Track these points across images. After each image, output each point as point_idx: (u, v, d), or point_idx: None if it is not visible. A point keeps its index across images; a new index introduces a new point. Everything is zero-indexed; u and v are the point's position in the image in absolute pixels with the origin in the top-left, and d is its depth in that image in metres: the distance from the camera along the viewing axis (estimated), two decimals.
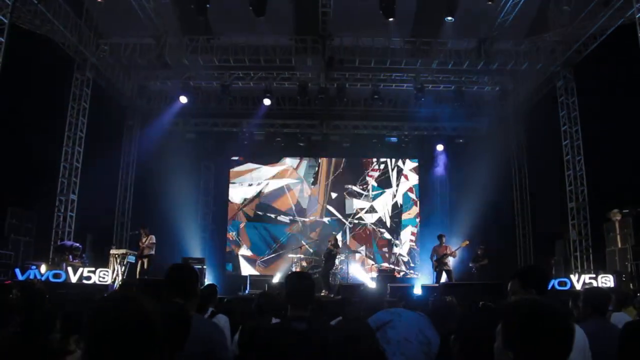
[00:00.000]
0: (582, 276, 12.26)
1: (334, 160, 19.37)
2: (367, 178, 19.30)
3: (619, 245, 13.24)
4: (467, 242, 14.32)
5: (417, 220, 19.04)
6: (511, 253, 17.19)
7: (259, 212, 18.91)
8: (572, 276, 12.41)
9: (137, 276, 13.37)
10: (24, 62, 12.29)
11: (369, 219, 18.94)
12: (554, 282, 11.97)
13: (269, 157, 19.30)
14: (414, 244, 18.77)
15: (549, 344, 1.73)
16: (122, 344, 1.58)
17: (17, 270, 11.63)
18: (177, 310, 2.58)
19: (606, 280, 11.82)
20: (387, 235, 18.81)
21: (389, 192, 19.19)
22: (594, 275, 12.23)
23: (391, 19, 13.03)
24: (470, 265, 15.13)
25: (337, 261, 15.31)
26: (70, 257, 13.04)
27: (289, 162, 19.35)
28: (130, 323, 1.59)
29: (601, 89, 13.21)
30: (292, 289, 3.28)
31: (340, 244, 15.28)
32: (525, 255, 17.63)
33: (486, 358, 1.99)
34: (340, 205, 19.02)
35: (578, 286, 11.71)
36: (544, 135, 16.27)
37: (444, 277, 13.85)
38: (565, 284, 11.91)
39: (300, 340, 2.90)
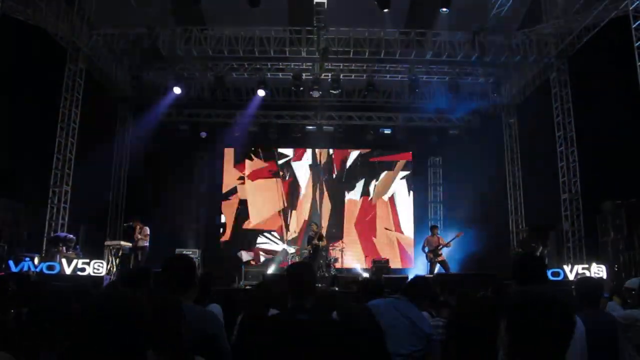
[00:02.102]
0: (575, 267, 12.35)
1: (326, 151, 19.40)
2: (361, 169, 19.35)
3: (612, 236, 13.35)
4: (461, 233, 14.40)
5: (411, 211, 19.10)
6: (504, 243, 17.25)
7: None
8: (565, 267, 12.49)
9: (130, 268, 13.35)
10: (16, 53, 12.19)
11: (363, 209, 19.01)
12: (547, 273, 12.06)
13: (262, 148, 19.31)
14: (408, 234, 18.86)
15: (541, 334, 1.76)
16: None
17: (11, 262, 11.58)
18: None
19: (599, 271, 11.92)
20: (383, 227, 18.90)
21: (383, 183, 19.25)
22: (586, 266, 12.32)
23: (386, 10, 13.02)
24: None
25: (323, 253, 15.37)
26: (64, 248, 12.99)
27: (282, 153, 19.38)
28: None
29: (595, 81, 13.24)
30: (294, 279, 3.28)
31: (324, 235, 15.31)
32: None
33: (477, 345, 2.02)
34: (332, 197, 19.08)
35: (571, 276, 11.81)
36: (537, 127, 16.33)
37: (437, 268, 13.94)
38: (558, 274, 12.00)
39: (303, 330, 2.91)
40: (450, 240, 14.16)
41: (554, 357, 1.77)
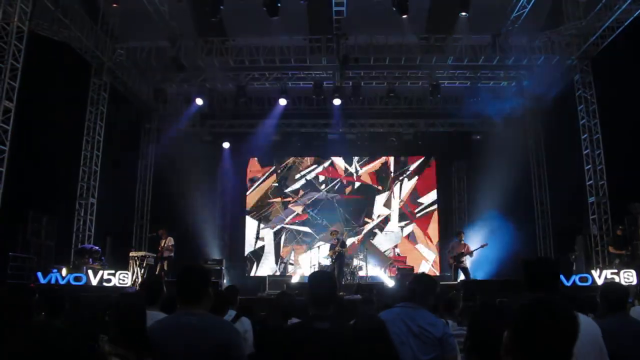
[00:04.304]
0: (604, 271, 12.10)
1: (349, 158, 19.39)
2: (382, 176, 19.29)
3: None
4: (486, 244, 14.18)
5: (434, 216, 18.95)
6: (531, 249, 16.99)
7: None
8: (593, 272, 12.24)
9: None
10: (43, 68, 12.44)
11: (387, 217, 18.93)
12: (575, 278, 11.85)
13: (285, 156, 19.39)
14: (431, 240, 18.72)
15: (539, 339, 1.73)
16: None
17: (39, 274, 11.80)
18: None
19: (629, 276, 11.66)
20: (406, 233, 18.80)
21: (405, 190, 19.16)
22: (615, 271, 12.06)
23: (405, 16, 12.97)
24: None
25: (350, 261, 15.34)
26: (90, 260, 13.18)
27: (305, 161, 19.43)
28: None
29: (619, 81, 12.99)
30: (314, 287, 3.25)
31: (347, 242, 15.32)
32: (545, 251, 17.44)
33: (495, 353, 1.99)
34: (357, 204, 19.04)
35: (600, 282, 11.56)
36: (562, 130, 16.08)
37: (460, 275, 13.79)
38: (586, 279, 11.78)
39: (323, 339, 2.88)
40: (474, 250, 13.99)
41: None
